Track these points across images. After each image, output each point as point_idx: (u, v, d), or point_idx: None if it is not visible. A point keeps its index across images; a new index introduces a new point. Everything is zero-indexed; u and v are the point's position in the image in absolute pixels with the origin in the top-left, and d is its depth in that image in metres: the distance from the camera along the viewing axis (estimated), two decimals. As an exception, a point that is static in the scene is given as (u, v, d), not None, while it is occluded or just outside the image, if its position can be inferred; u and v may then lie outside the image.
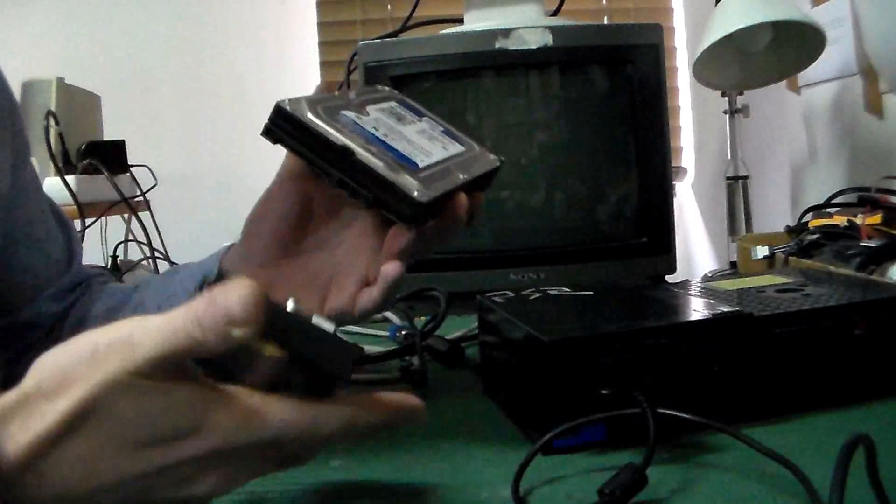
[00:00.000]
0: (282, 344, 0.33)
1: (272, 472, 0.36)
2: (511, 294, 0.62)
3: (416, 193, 0.42)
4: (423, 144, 0.48)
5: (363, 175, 0.42)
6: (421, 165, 0.45)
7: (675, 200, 1.07)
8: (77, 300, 0.65)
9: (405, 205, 0.42)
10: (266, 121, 0.44)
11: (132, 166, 1.57)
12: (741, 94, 1.35)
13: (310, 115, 0.43)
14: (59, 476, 0.30)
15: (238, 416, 0.32)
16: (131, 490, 0.32)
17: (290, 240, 0.50)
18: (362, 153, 0.42)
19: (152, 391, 0.31)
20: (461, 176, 0.47)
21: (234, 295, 0.31)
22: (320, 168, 0.43)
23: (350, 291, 0.48)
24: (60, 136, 1.47)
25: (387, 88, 0.54)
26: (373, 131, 0.46)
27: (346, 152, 0.42)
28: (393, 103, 0.52)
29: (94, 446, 0.31)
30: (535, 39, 0.96)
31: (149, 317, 0.32)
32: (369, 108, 0.49)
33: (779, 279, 0.63)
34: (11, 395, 0.31)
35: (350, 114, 0.46)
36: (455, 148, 0.51)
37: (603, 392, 0.47)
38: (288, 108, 0.43)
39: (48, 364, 0.32)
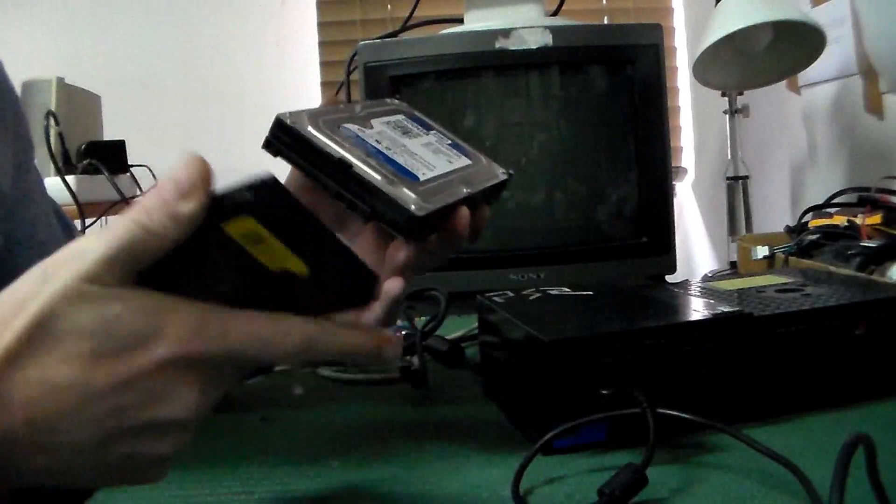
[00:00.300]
0: (305, 256, 0.33)
1: (239, 383, 0.35)
2: (511, 294, 0.62)
3: (412, 207, 0.41)
4: (428, 157, 0.48)
5: (360, 187, 0.42)
6: (422, 178, 0.45)
7: (675, 200, 1.07)
8: None
9: (402, 218, 0.41)
10: (267, 133, 0.43)
11: (132, 166, 1.57)
12: (741, 94, 1.35)
13: (310, 129, 0.43)
14: (26, 398, 0.30)
15: (195, 322, 0.32)
16: (100, 411, 0.31)
17: None
18: (360, 166, 0.42)
19: (106, 297, 0.31)
20: (464, 189, 0.46)
21: (179, 168, 0.31)
22: (318, 181, 0.43)
23: None
24: (60, 136, 1.48)
25: (396, 101, 0.54)
26: (374, 144, 0.45)
27: (342, 164, 0.42)
28: (400, 116, 0.52)
29: (54, 363, 0.30)
30: (535, 39, 0.96)
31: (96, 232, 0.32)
32: (374, 122, 0.49)
33: (779, 279, 0.63)
34: None
35: (353, 127, 0.46)
36: (461, 161, 0.51)
37: (603, 392, 0.47)
38: (288, 120, 0.43)
39: (3, 295, 0.31)
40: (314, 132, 0.43)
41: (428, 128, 0.53)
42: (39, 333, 0.30)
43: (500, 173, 0.52)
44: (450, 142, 0.52)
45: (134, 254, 0.31)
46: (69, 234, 0.68)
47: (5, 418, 0.30)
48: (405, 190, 0.42)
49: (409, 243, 0.44)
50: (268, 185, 0.31)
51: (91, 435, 0.31)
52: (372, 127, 0.48)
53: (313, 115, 0.44)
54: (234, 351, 0.33)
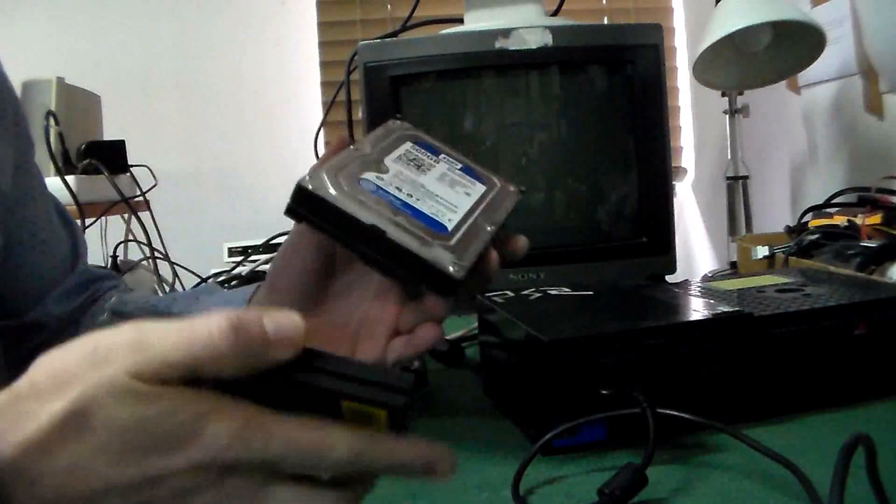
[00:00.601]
0: (393, 426, 0.34)
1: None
2: (511, 294, 0.62)
3: (451, 269, 0.40)
4: (448, 196, 0.47)
5: (395, 254, 0.41)
6: (450, 228, 0.44)
7: (675, 200, 1.07)
8: (87, 302, 0.65)
9: (442, 281, 0.41)
10: (288, 199, 0.41)
11: (132, 166, 1.57)
12: (741, 94, 1.35)
13: (333, 192, 0.41)
14: (52, 483, 0.30)
15: (238, 428, 0.31)
16: (124, 502, 0.31)
17: (315, 291, 0.48)
18: (392, 230, 0.41)
19: (149, 396, 0.30)
20: (488, 228, 0.46)
21: (285, 316, 0.31)
22: (349, 247, 0.42)
23: (381, 342, 0.46)
24: (60, 136, 1.47)
25: (398, 122, 0.53)
26: (396, 194, 0.44)
27: (375, 232, 0.41)
28: (409, 145, 0.51)
29: (86, 452, 0.30)
30: (535, 39, 0.96)
31: (162, 322, 0.31)
32: (388, 162, 0.47)
33: (779, 279, 0.63)
34: (3, 394, 0.30)
35: (371, 176, 0.45)
36: (477, 188, 0.50)
37: (603, 392, 0.47)
38: (310, 186, 0.41)
39: (45, 364, 0.31)
40: (339, 196, 0.41)
41: (436, 152, 0.51)
42: (76, 421, 0.29)
43: (514, 192, 0.52)
44: (460, 166, 0.51)
45: (195, 370, 0.31)
46: (70, 230, 0.68)
47: (28, 498, 0.30)
48: (441, 251, 0.41)
49: (448, 298, 0.43)
50: (412, 391, 0.33)
51: None
52: (388, 170, 0.46)
53: (332, 173, 0.42)
54: (271, 460, 0.32)
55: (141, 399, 0.30)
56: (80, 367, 0.30)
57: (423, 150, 0.51)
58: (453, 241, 0.43)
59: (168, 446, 0.30)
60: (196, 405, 0.31)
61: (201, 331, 0.30)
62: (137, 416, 0.30)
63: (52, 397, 0.30)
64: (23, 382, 0.31)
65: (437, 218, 0.44)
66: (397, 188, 0.45)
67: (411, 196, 0.45)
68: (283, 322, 0.32)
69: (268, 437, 0.31)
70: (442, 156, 0.51)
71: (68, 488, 0.30)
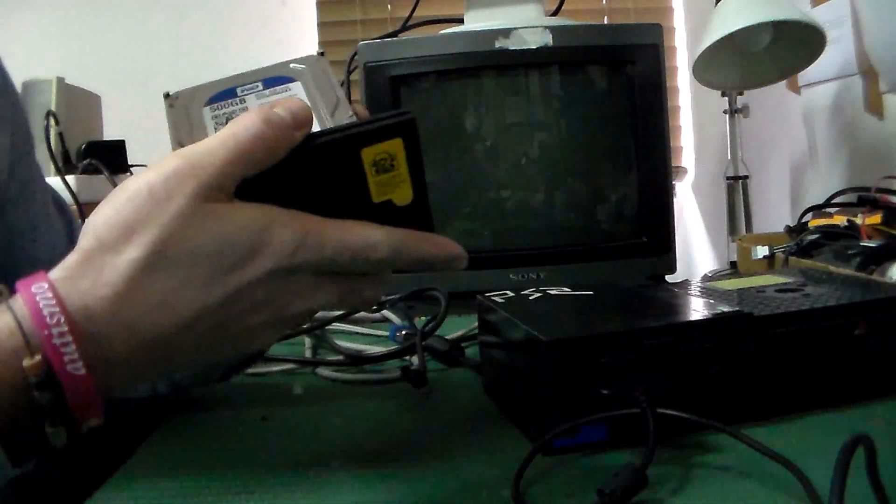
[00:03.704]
0: (415, 188, 0.38)
1: (337, 304, 0.38)
2: (511, 294, 0.62)
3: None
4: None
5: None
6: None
7: (675, 200, 1.07)
8: None
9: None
10: None
11: (132, 166, 1.57)
12: (741, 94, 1.35)
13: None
14: (147, 322, 0.31)
15: (300, 236, 0.34)
16: (211, 322, 0.33)
17: None
18: None
19: (219, 216, 0.32)
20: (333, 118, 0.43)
21: (293, 101, 0.36)
22: None
23: None
24: (60, 136, 1.47)
25: (172, 96, 0.49)
26: None
27: None
28: (208, 113, 0.47)
29: (175, 284, 0.31)
30: (535, 39, 0.96)
31: (197, 144, 0.34)
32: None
33: (779, 279, 0.63)
34: (72, 256, 0.31)
35: None
36: (294, 91, 0.46)
37: (603, 392, 0.47)
38: None
39: (102, 219, 0.32)
40: None
41: (232, 92, 0.48)
42: (158, 261, 0.31)
43: (314, 57, 0.48)
44: (261, 87, 0.48)
45: (248, 167, 0.34)
46: (65, 217, 0.68)
47: (128, 345, 0.31)
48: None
49: None
50: (412, 118, 0.37)
51: (200, 343, 0.33)
52: None
53: None
54: (329, 260, 0.35)
55: (215, 219, 0.32)
56: (142, 211, 0.32)
57: (226, 105, 0.47)
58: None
59: (242, 261, 0.33)
60: (257, 218, 0.33)
61: (243, 135, 0.34)
62: (215, 236, 0.32)
63: (125, 246, 0.31)
64: (87, 241, 0.32)
65: None
66: None
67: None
68: (295, 106, 0.36)
69: (323, 242, 0.35)
70: (243, 91, 0.48)
71: (163, 323, 0.31)
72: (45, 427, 0.30)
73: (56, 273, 0.31)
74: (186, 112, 0.46)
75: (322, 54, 0.48)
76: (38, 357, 0.29)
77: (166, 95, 0.48)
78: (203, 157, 0.33)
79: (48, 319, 0.30)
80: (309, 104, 0.43)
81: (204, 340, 0.33)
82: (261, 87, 0.47)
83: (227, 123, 0.41)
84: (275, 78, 0.48)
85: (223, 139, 0.33)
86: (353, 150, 0.36)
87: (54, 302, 0.30)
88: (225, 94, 0.47)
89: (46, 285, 0.31)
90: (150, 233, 0.31)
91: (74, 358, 0.30)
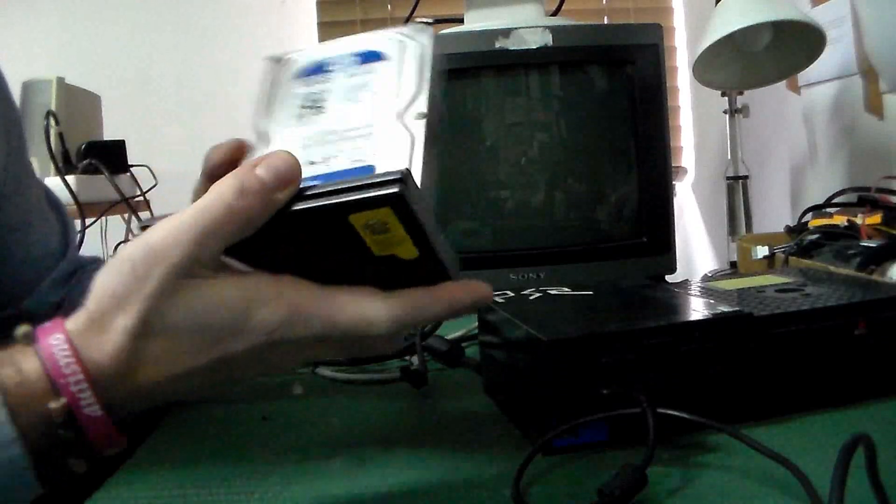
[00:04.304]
0: (419, 244, 0.35)
1: (340, 356, 0.39)
2: (511, 294, 0.62)
3: (389, 179, 0.35)
4: (358, 117, 0.40)
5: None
6: (375, 164, 0.38)
7: (675, 200, 1.07)
8: (73, 288, 0.65)
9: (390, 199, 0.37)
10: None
11: (132, 166, 1.57)
12: (741, 94, 1.35)
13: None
14: (143, 375, 0.34)
15: (283, 314, 0.34)
16: (206, 376, 0.35)
17: None
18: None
19: (199, 293, 0.34)
20: (414, 121, 0.39)
21: (277, 157, 0.35)
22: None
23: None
24: (60, 136, 1.48)
25: (273, 62, 0.47)
26: (305, 174, 0.37)
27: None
28: (294, 88, 0.45)
29: (164, 348, 0.34)
30: (535, 39, 0.96)
31: (175, 215, 0.34)
32: (280, 131, 0.43)
33: (779, 279, 0.63)
34: (80, 316, 0.34)
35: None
36: (381, 74, 0.42)
37: (603, 392, 0.47)
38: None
39: (101, 286, 0.34)
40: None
41: (324, 68, 0.45)
42: (144, 330, 0.34)
43: (425, 29, 0.44)
44: (354, 58, 0.44)
45: (224, 240, 0.34)
46: (60, 216, 0.68)
47: (131, 392, 0.35)
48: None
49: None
50: (407, 178, 0.33)
51: (201, 385, 0.36)
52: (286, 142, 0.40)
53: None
54: (320, 335, 0.35)
55: (195, 296, 0.34)
56: (129, 286, 0.34)
57: (313, 81, 0.44)
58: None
59: (227, 335, 0.34)
60: (242, 296, 0.35)
61: (217, 208, 0.34)
62: (195, 314, 0.34)
63: (119, 313, 0.34)
64: (91, 303, 0.35)
65: (359, 164, 0.38)
66: (308, 162, 0.39)
67: (326, 159, 0.39)
68: (280, 163, 0.35)
69: (310, 319, 0.35)
70: (333, 67, 0.44)
71: (157, 378, 0.35)
72: (69, 459, 0.34)
73: (70, 325, 0.35)
74: (278, 82, 0.45)
75: (431, 24, 0.47)
76: (62, 400, 0.33)
77: (274, 59, 0.46)
78: (172, 238, 0.34)
79: (64, 369, 0.33)
80: (384, 91, 0.41)
81: (203, 384, 0.36)
82: (350, 63, 0.44)
83: (311, 106, 0.42)
84: (368, 53, 0.44)
85: (195, 216, 0.34)
86: (340, 217, 0.34)
87: (70, 353, 0.33)
88: (316, 68, 0.45)
89: (63, 337, 0.34)
90: (134, 307, 0.33)
91: (91, 402, 0.33)
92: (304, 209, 0.34)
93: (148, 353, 0.34)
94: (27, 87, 1.56)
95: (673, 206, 1.02)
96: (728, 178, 1.36)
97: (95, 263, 0.70)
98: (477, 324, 0.65)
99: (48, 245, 0.65)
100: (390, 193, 0.33)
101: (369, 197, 0.33)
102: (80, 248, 0.73)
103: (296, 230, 0.35)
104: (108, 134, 1.75)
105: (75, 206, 1.32)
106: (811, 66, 1.21)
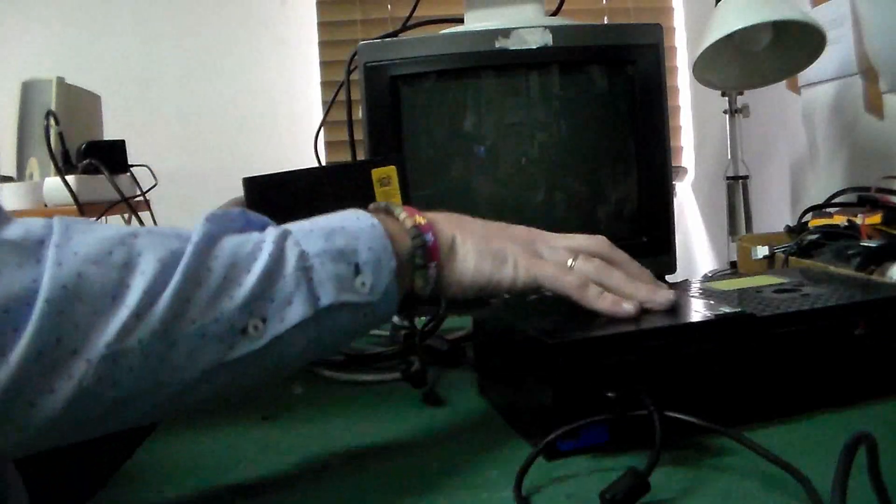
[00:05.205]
0: None
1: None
2: (507, 295, 0.62)
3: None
4: None
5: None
6: None
7: (675, 200, 1.07)
8: None
9: None
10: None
11: (132, 166, 1.57)
12: (741, 94, 1.35)
13: None
14: (454, 271, 0.53)
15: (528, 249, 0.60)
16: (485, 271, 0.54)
17: None
18: None
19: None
20: None
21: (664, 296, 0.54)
22: None
23: None
24: (60, 136, 1.48)
25: None
26: None
27: None
28: None
29: (460, 259, 0.53)
30: (535, 39, 0.96)
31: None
32: None
33: (779, 279, 0.63)
34: (442, 215, 0.55)
35: None
36: None
37: (608, 395, 0.46)
38: None
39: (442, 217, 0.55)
40: None
41: None
42: (453, 251, 0.53)
43: None
44: None
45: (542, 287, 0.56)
46: None
47: (452, 279, 0.53)
48: None
49: None
50: None
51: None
52: None
53: None
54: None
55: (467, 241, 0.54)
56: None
57: None
58: None
59: (498, 269, 0.54)
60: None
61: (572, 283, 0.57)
62: (472, 247, 0.54)
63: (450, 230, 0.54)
64: (450, 221, 0.55)
65: None
66: None
67: None
68: (664, 305, 0.54)
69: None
70: None
71: (462, 275, 0.53)
72: (414, 271, 0.51)
73: (434, 215, 0.54)
74: None
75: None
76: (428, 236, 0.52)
77: None
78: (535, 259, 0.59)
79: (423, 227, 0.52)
80: None
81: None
82: None
83: None
84: None
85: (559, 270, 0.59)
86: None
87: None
88: None
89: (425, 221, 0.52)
90: (448, 238, 0.53)
91: (433, 241, 0.52)
92: None
93: (452, 262, 0.53)
94: (27, 87, 1.56)
95: (673, 206, 1.02)
96: (728, 178, 1.36)
97: None
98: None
99: None
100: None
101: None
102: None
103: None
104: (108, 134, 1.75)
105: (75, 207, 1.32)
106: (811, 65, 1.21)
